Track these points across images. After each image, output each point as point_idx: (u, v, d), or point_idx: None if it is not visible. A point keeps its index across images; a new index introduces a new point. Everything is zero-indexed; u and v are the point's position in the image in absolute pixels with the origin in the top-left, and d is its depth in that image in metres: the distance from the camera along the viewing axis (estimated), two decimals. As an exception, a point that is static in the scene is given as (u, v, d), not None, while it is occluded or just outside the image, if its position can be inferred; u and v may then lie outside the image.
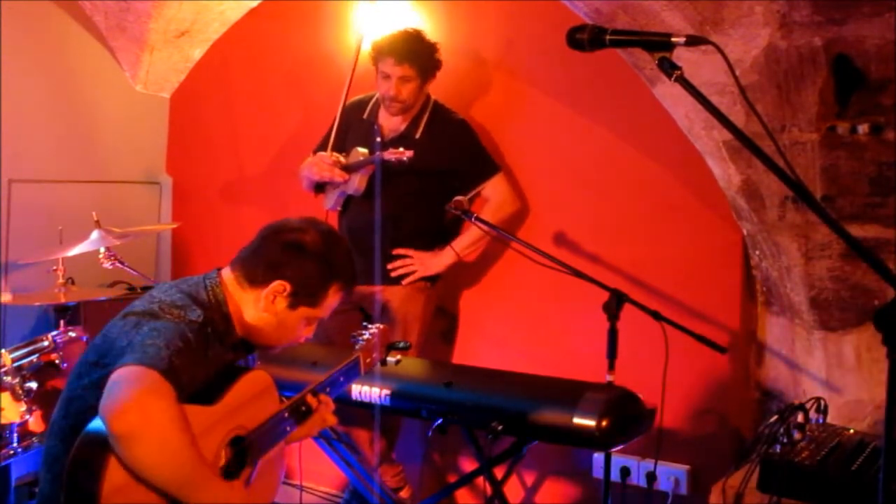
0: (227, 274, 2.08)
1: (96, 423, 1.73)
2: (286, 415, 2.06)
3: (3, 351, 2.91)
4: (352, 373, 2.30)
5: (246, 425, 1.96)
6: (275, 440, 2.04)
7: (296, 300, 2.05)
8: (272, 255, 2.04)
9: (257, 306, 2.04)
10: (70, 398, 1.91)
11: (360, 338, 2.37)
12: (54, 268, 3.38)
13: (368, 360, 2.36)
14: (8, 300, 3.39)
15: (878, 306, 2.69)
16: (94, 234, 3.39)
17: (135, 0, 3.93)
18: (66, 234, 3.55)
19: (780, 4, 2.42)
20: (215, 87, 4.39)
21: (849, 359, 2.87)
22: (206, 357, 1.90)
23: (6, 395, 2.89)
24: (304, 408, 2.12)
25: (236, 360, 2.06)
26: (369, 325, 2.42)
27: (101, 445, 1.70)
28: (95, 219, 3.42)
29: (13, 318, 3.88)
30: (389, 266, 3.35)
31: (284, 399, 2.11)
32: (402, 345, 2.51)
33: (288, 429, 2.07)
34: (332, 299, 2.10)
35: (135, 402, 1.66)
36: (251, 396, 1.99)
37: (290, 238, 2.06)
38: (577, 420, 2.50)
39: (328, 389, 2.20)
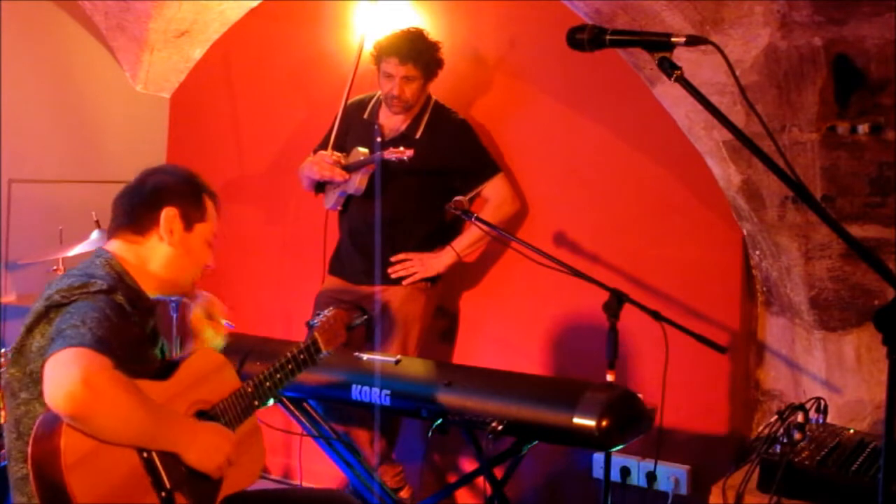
0: (114, 246, 2.09)
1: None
2: (250, 390, 2.15)
3: (2, 350, 2.91)
4: (312, 350, 2.35)
5: (209, 399, 2.04)
6: (243, 414, 2.11)
7: (188, 219, 2.11)
8: (146, 198, 2.10)
9: (160, 246, 2.09)
10: (17, 419, 1.92)
11: (315, 320, 2.46)
12: (54, 268, 3.39)
13: (328, 339, 2.40)
14: (11, 300, 3.39)
15: (878, 306, 2.69)
16: (94, 234, 3.40)
17: (135, 0, 3.93)
18: (66, 234, 3.56)
19: (780, 4, 2.42)
20: (215, 87, 4.39)
21: (849, 359, 2.87)
22: (127, 322, 1.92)
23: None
24: (268, 384, 2.20)
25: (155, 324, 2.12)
26: (322, 312, 2.50)
27: (47, 438, 1.74)
28: (95, 219, 3.42)
29: (13, 318, 3.88)
30: (390, 269, 3.36)
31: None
32: (357, 322, 2.64)
33: (256, 403, 2.15)
34: (211, 209, 2.18)
35: (78, 382, 1.69)
36: (206, 372, 2.08)
37: (150, 179, 2.13)
38: (577, 420, 2.51)
39: (290, 367, 2.27)
